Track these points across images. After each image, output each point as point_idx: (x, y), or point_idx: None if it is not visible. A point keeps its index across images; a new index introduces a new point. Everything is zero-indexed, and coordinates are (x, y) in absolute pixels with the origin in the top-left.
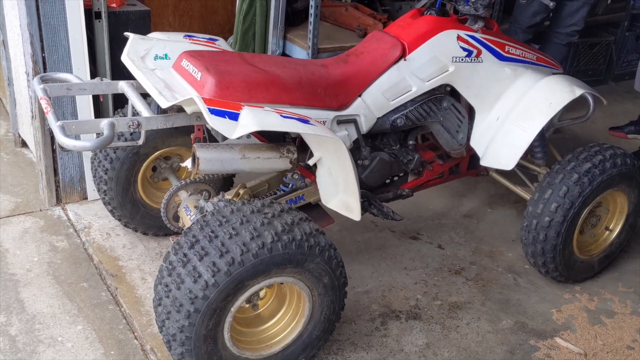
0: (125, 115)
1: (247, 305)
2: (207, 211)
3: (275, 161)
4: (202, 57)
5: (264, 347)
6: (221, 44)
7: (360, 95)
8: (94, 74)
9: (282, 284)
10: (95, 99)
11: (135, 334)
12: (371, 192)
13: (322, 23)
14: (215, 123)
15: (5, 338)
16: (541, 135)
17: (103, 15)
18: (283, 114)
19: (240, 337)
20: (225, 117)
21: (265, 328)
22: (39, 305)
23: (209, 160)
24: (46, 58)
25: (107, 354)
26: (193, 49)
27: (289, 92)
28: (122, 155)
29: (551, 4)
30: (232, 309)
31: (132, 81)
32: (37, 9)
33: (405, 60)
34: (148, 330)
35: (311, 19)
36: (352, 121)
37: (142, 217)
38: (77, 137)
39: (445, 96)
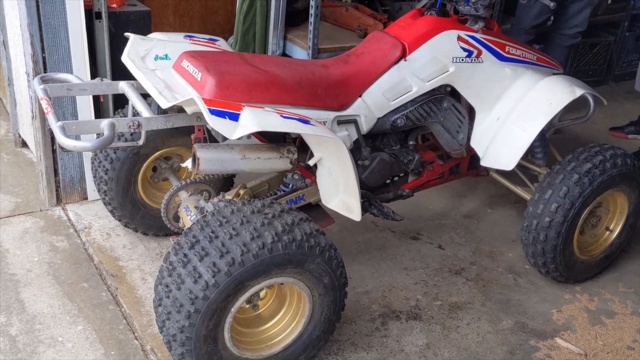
0: (125, 115)
1: (248, 306)
2: (207, 211)
3: (276, 161)
4: (203, 58)
5: (264, 348)
6: (221, 44)
7: (360, 96)
8: (94, 74)
9: (282, 284)
10: (96, 99)
11: (136, 334)
12: (371, 193)
13: (323, 23)
14: (216, 123)
15: (5, 338)
16: (541, 136)
17: (103, 15)
18: (283, 115)
19: (240, 338)
20: (225, 118)
21: (265, 328)
22: (39, 306)
23: (209, 160)
24: (46, 58)
25: (107, 354)
26: (193, 49)
27: (289, 92)
28: (123, 156)
29: (552, 4)
30: (232, 309)
31: (132, 81)
32: (38, 9)
33: (405, 60)
34: (148, 330)
35: (311, 19)
36: (353, 121)
37: (142, 217)
38: (77, 138)
39: (445, 96)
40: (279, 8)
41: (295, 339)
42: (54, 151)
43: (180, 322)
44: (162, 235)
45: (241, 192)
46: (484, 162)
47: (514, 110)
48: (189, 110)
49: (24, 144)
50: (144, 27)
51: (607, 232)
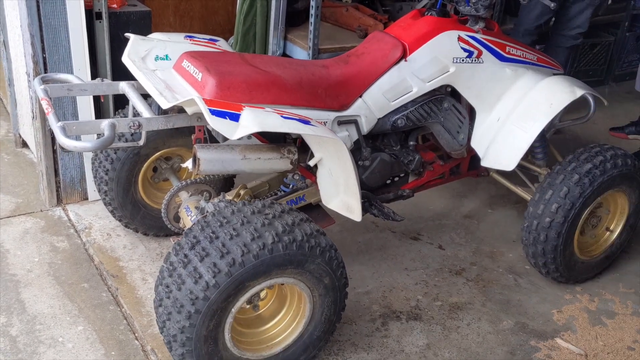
0: (125, 115)
1: (248, 306)
2: (207, 212)
3: (276, 162)
4: (203, 58)
5: (264, 348)
6: (222, 44)
7: (361, 96)
8: (94, 74)
9: (282, 284)
10: (96, 99)
11: (136, 334)
12: (372, 193)
13: (323, 23)
14: (216, 124)
15: (6, 339)
16: (542, 136)
17: (104, 15)
18: (284, 115)
19: (241, 338)
20: (226, 118)
21: (266, 329)
22: (39, 306)
23: (209, 161)
24: (47, 59)
25: (107, 354)
26: (194, 49)
27: (289, 92)
28: (123, 156)
29: (552, 4)
30: (232, 309)
31: (132, 82)
32: (38, 10)
33: (406, 61)
34: (149, 330)
35: (312, 20)
36: (353, 122)
37: (142, 217)
38: (77, 138)
39: (445, 97)
40: (279, 8)
41: (295, 339)
42: (54, 151)
43: (180, 323)
44: (162, 235)
45: (241, 192)
46: (484, 163)
47: (515, 110)
48: (189, 110)
49: (25, 144)
50: (144, 28)
51: (608, 233)
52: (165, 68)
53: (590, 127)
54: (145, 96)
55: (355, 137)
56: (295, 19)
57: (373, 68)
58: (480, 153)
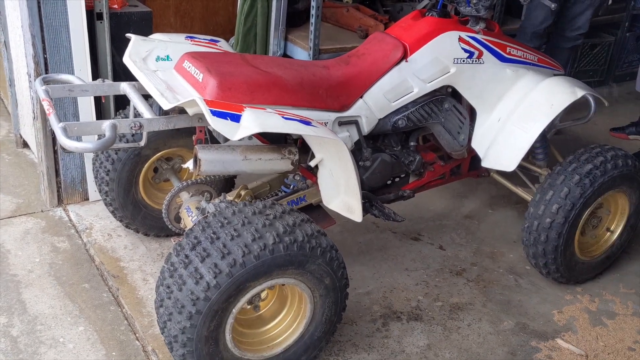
0: (126, 116)
1: (249, 307)
2: (208, 212)
3: (277, 162)
4: (204, 59)
5: (265, 349)
6: (223, 45)
7: (361, 97)
8: (95, 75)
9: (283, 285)
10: (97, 100)
11: (137, 335)
12: (372, 193)
13: (324, 24)
14: (217, 125)
15: (7, 339)
16: (542, 137)
17: (105, 16)
18: (285, 116)
19: (241, 339)
20: (227, 119)
21: (266, 329)
22: (40, 306)
23: (210, 161)
24: (48, 59)
25: (108, 355)
26: (195, 50)
27: (290, 93)
28: (124, 157)
29: (552, 5)
30: (233, 310)
31: (133, 82)
32: (39, 10)
33: (406, 61)
34: (149, 331)
35: (312, 20)
36: (354, 122)
37: (143, 218)
38: (78, 139)
39: (446, 97)
40: (280, 9)
41: (296, 339)
42: (55, 152)
43: (181, 323)
44: (163, 236)
45: (242, 193)
46: (485, 163)
47: (515, 111)
48: (190, 111)
49: (25, 145)
50: (145, 28)
51: (608, 233)
52: (166, 69)
53: (591, 127)
54: (146, 97)
55: (356, 137)
56: (296, 19)
57: (374, 69)
58: (480, 153)
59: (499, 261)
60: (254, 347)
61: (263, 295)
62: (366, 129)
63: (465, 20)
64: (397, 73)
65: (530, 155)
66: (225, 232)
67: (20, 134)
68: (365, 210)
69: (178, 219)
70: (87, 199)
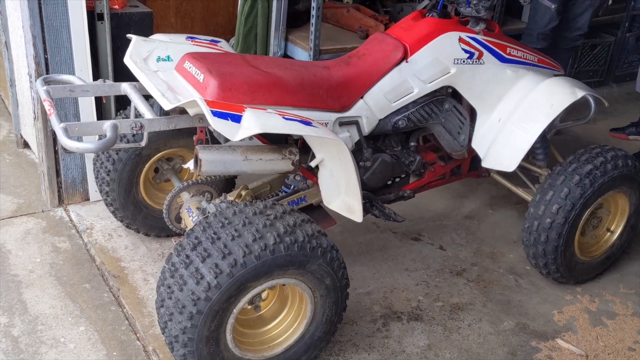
0: (127, 116)
1: (250, 307)
2: (209, 212)
3: (278, 163)
4: (205, 59)
5: (266, 349)
6: (223, 45)
7: (362, 97)
8: (96, 75)
9: (284, 285)
10: (98, 100)
11: (138, 335)
12: (373, 194)
13: (324, 24)
14: (218, 125)
15: (8, 339)
16: (543, 137)
17: (105, 16)
18: (285, 116)
19: (242, 339)
20: (227, 119)
21: (267, 329)
22: (41, 307)
23: (211, 162)
24: (49, 59)
25: (109, 355)
26: (195, 50)
27: (291, 94)
28: (125, 157)
29: (552, 6)
30: (234, 310)
31: (134, 83)
32: (40, 11)
33: (407, 62)
34: (150, 331)
35: (313, 21)
36: (354, 123)
37: (144, 218)
38: (79, 139)
39: (446, 98)
40: (280, 9)
41: (297, 339)
42: (55, 152)
43: (182, 323)
44: (164, 236)
45: (243, 193)
46: (485, 164)
47: (515, 111)
48: (191, 111)
49: (26, 145)
50: (146, 29)
51: (608, 233)
52: (167, 69)
53: (591, 127)
54: (147, 97)
55: (356, 138)
56: (296, 20)
57: (374, 69)
58: (481, 154)
59: (499, 261)
60: (255, 347)
61: (264, 295)
62: (367, 129)
63: (466, 20)
64: (398, 73)
65: (530, 156)
66: (226, 232)
67: (20, 134)
68: (366, 211)
69: (179, 219)
70: (88, 199)
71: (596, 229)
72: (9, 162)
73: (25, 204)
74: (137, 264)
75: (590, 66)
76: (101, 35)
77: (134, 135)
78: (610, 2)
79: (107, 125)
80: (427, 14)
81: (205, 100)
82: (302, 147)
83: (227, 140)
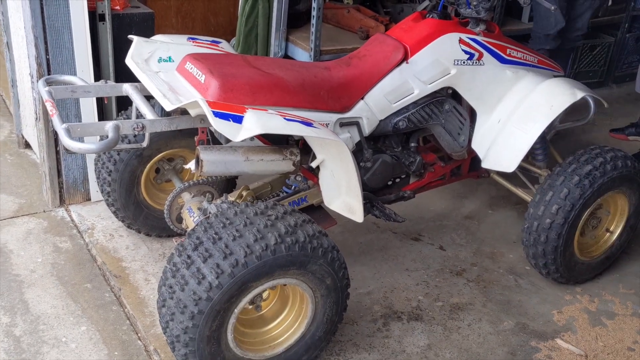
0: (129, 117)
1: (251, 307)
2: (210, 213)
3: (279, 163)
4: (206, 60)
5: (267, 348)
6: (224, 46)
7: (362, 98)
8: (98, 76)
9: (285, 285)
10: (99, 101)
11: (139, 334)
12: (373, 194)
13: (325, 25)
14: (219, 126)
15: (9, 339)
16: (542, 138)
17: (107, 17)
18: (286, 117)
19: (243, 338)
20: (229, 120)
21: (268, 329)
22: (43, 306)
23: (212, 162)
24: (50, 60)
25: (110, 354)
26: (197, 51)
27: (292, 94)
28: (126, 157)
29: (552, 7)
30: (235, 310)
31: (136, 84)
32: (42, 12)
33: (407, 63)
34: (152, 331)
35: (313, 21)
36: (355, 123)
37: (145, 218)
38: (81, 140)
39: (447, 99)
40: (281, 10)
41: (297, 339)
42: (57, 152)
43: (183, 323)
44: (165, 236)
45: (244, 193)
46: (485, 164)
47: (515, 112)
48: (192, 112)
49: (27, 145)
50: (147, 29)
51: (608, 234)
52: (168, 70)
53: (591, 128)
54: (149, 98)
55: (357, 138)
56: (297, 20)
57: (375, 70)
58: (480, 154)
59: (499, 261)
60: (256, 347)
61: (265, 295)
62: (367, 130)
63: (466, 21)
64: (398, 74)
65: (530, 156)
66: (227, 232)
67: (22, 135)
68: (366, 211)
69: (180, 220)
70: (89, 200)
71: (596, 229)
72: (10, 162)
73: (26, 204)
74: (138, 264)
75: (589, 67)
76: (102, 36)
77: (135, 136)
78: (610, 3)
79: (109, 126)
80: (427, 15)
81: (207, 101)
82: (303, 148)
83: (228, 140)
